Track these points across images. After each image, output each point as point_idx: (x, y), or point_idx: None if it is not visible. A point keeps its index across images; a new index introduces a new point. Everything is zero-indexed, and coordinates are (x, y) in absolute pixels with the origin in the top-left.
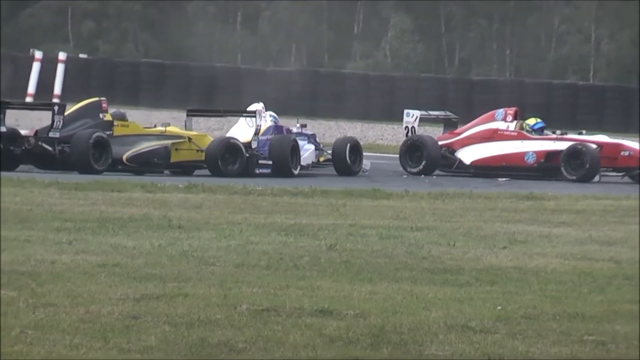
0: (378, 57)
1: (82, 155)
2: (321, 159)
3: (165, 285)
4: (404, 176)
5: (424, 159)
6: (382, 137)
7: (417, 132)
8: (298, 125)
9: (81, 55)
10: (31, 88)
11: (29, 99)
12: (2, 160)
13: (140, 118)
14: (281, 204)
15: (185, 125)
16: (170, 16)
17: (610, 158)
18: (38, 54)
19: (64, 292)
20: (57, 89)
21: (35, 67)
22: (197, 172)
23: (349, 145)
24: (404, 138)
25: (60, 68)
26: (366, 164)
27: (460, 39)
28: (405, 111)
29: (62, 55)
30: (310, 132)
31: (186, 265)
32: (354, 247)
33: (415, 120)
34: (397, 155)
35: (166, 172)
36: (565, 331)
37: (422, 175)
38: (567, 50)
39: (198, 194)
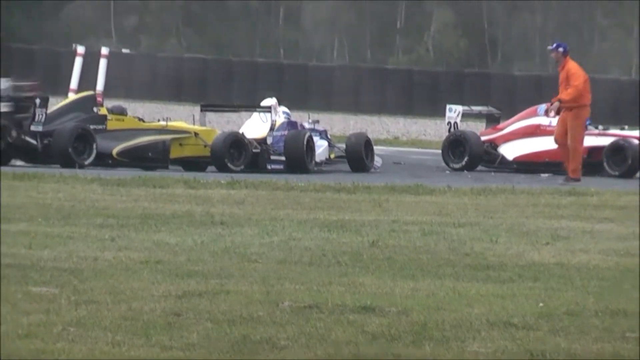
0: (421, 52)
1: (63, 148)
2: (332, 156)
3: (208, 282)
4: (447, 172)
5: (466, 154)
6: (425, 133)
7: (459, 128)
8: (310, 120)
9: (124, 50)
10: (73, 83)
11: (71, 95)
12: None
13: (183, 114)
14: (324, 199)
15: (194, 120)
16: (213, 11)
17: None
18: (80, 49)
19: (106, 289)
20: (100, 84)
21: (78, 62)
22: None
23: (364, 141)
24: (447, 133)
25: (103, 63)
26: (378, 160)
27: (503, 33)
28: (448, 106)
29: (104, 50)
30: (322, 128)
31: (228, 262)
32: (396, 243)
33: (458, 115)
34: (440, 151)
35: (176, 167)
36: (607, 328)
37: (465, 171)
38: (609, 45)
39: (241, 190)
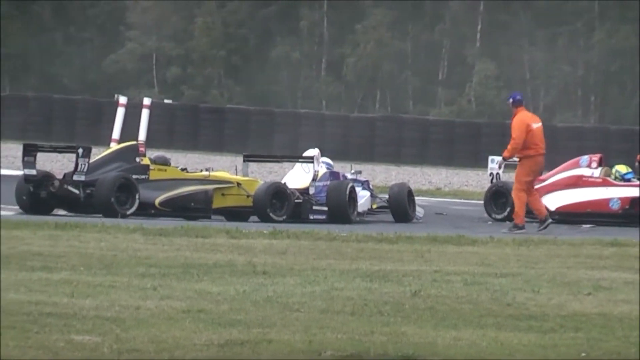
0: (462, 104)
1: (106, 198)
2: (374, 206)
3: (250, 331)
4: (489, 222)
5: (508, 205)
6: (467, 184)
7: (501, 179)
8: (353, 171)
9: (166, 101)
10: (115, 134)
11: (113, 144)
12: (32, 203)
13: (224, 164)
14: (366, 250)
15: (237, 170)
16: (254, 62)
17: None
18: (122, 100)
19: (148, 338)
20: (142, 134)
21: (120, 112)
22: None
23: (407, 191)
24: (489, 184)
25: (145, 113)
26: (420, 210)
27: (545, 85)
28: (490, 158)
29: (146, 101)
30: (364, 179)
31: (270, 311)
32: (438, 293)
33: (500, 166)
34: (482, 202)
35: (219, 217)
36: None
37: (507, 222)
38: None
39: (283, 240)
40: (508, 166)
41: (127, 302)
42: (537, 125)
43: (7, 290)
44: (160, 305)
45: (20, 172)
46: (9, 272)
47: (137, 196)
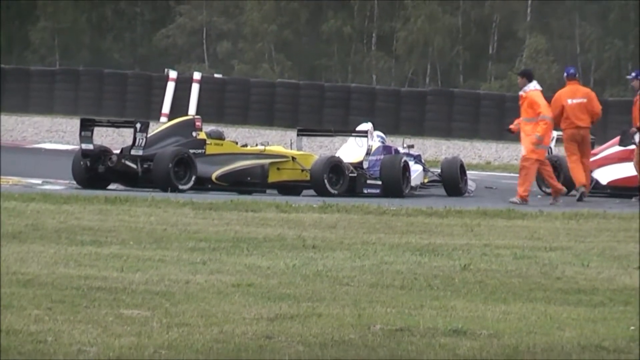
0: (513, 78)
1: (164, 173)
2: (425, 180)
3: (299, 305)
4: (538, 196)
5: (560, 179)
6: (516, 158)
7: (554, 153)
8: (405, 145)
9: (216, 75)
10: (165, 108)
11: (163, 119)
12: (90, 178)
13: (275, 138)
14: (415, 224)
15: (291, 145)
16: (305, 36)
17: None
18: (172, 74)
19: (197, 312)
20: (192, 108)
21: (170, 87)
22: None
23: (460, 165)
24: None
25: (195, 88)
26: (471, 184)
27: (596, 59)
28: None
29: (196, 75)
30: (417, 153)
31: (320, 285)
32: (488, 267)
33: (552, 140)
34: None
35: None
36: None
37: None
38: None
39: (333, 214)
40: (560, 141)
41: (177, 277)
42: (574, 101)
43: (57, 265)
44: (210, 280)
45: (69, 147)
46: (59, 246)
47: (194, 171)
